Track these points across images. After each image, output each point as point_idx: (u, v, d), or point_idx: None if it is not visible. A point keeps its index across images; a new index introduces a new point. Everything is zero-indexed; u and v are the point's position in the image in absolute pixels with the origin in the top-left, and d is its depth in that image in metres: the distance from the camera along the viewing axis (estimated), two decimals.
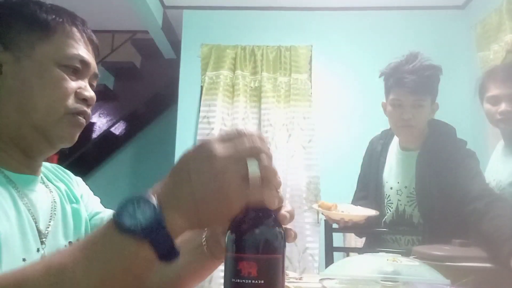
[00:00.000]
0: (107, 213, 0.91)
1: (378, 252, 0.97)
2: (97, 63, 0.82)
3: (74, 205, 0.83)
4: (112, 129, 4.04)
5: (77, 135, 0.77)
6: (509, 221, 1.24)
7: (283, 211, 0.53)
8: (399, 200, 1.68)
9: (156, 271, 0.73)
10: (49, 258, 0.49)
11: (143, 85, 4.05)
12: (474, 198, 1.42)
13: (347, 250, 1.93)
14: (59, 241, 0.76)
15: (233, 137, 0.49)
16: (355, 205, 1.68)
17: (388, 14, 3.22)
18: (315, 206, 1.69)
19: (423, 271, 0.84)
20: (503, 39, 2.52)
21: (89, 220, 0.87)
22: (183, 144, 3.08)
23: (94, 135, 3.94)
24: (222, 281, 0.51)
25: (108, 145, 4.11)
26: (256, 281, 0.48)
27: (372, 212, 1.58)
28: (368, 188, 1.80)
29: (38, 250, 0.70)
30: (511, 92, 1.55)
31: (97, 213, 0.89)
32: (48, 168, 0.86)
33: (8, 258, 0.63)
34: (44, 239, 0.72)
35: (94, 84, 0.81)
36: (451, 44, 3.12)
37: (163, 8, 3.30)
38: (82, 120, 0.76)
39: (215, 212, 0.49)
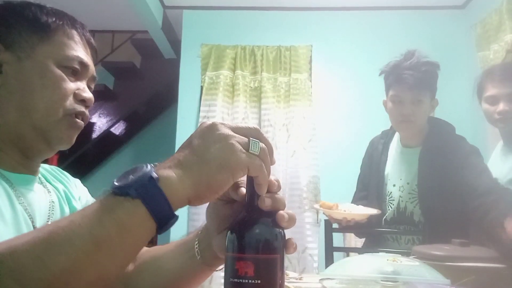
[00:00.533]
0: None
1: (378, 252, 0.97)
2: (97, 63, 0.83)
3: (72, 206, 0.83)
4: (112, 129, 4.04)
5: (75, 137, 0.78)
6: None
7: (282, 212, 0.53)
8: (400, 196, 1.68)
9: (151, 274, 0.73)
10: (38, 228, 0.49)
11: (143, 85, 4.05)
12: (482, 193, 1.43)
13: (347, 250, 1.93)
14: None
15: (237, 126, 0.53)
16: (356, 205, 1.69)
17: (388, 14, 3.22)
18: (316, 206, 1.69)
19: (423, 271, 0.84)
20: (503, 39, 2.52)
21: None
22: None
23: (94, 135, 3.94)
24: (223, 281, 0.52)
25: (108, 145, 4.11)
26: (253, 281, 0.48)
27: (374, 211, 1.58)
28: (369, 187, 1.80)
29: None
30: (509, 91, 1.55)
31: None
32: (46, 169, 0.86)
33: None
34: None
35: (92, 86, 0.82)
36: (451, 44, 3.12)
37: (163, 8, 3.30)
38: (80, 122, 0.77)
39: (220, 170, 0.49)
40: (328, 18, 3.25)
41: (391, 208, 1.70)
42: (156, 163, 0.51)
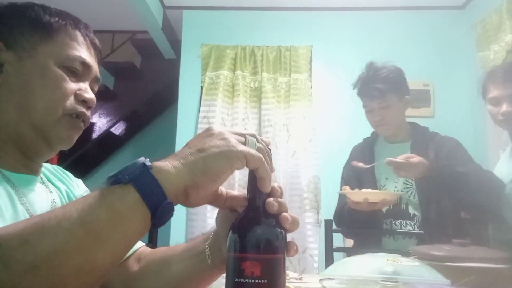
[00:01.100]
0: None
1: (378, 252, 0.97)
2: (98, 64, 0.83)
3: None
4: (112, 129, 4.04)
5: (75, 137, 0.77)
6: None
7: (286, 214, 0.54)
8: (396, 187, 1.74)
9: (155, 276, 0.73)
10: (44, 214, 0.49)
11: (143, 85, 4.05)
12: (471, 180, 1.57)
13: (347, 251, 1.93)
14: None
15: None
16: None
17: (388, 14, 3.22)
18: (341, 192, 1.73)
19: (423, 271, 0.84)
20: (503, 39, 2.52)
21: None
22: (183, 144, 3.05)
23: (94, 135, 3.94)
24: (223, 281, 0.52)
25: (108, 145, 4.11)
26: (260, 281, 0.48)
27: (398, 193, 1.69)
28: (361, 186, 1.82)
29: None
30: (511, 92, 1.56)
31: None
32: (48, 169, 0.86)
33: None
34: None
35: (96, 88, 0.82)
36: (451, 44, 3.12)
37: (163, 8, 3.30)
38: (80, 123, 0.77)
39: (217, 157, 0.50)
40: (328, 18, 3.25)
41: None
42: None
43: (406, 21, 3.20)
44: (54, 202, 0.78)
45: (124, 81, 4.14)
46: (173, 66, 3.46)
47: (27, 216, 0.70)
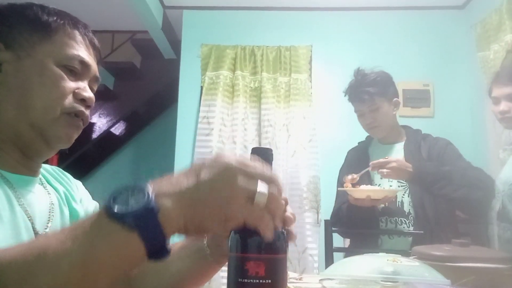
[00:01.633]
0: None
1: (377, 252, 0.97)
2: (98, 63, 0.83)
3: (72, 207, 0.83)
4: (112, 129, 4.04)
5: (74, 136, 0.77)
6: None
7: (288, 213, 0.54)
8: (390, 186, 1.78)
9: (155, 275, 0.73)
10: (35, 239, 0.48)
11: (143, 85, 4.05)
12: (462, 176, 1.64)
13: (347, 251, 1.93)
14: None
15: (253, 161, 0.50)
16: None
17: (388, 14, 3.21)
18: (344, 189, 1.76)
19: (423, 271, 0.84)
20: (503, 39, 2.52)
21: None
22: (183, 144, 3.08)
23: (94, 135, 3.94)
24: (223, 281, 0.52)
25: (108, 145, 4.11)
26: (264, 281, 0.48)
27: (397, 189, 1.74)
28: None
29: None
30: (508, 92, 1.61)
31: None
32: (47, 170, 0.86)
33: None
34: None
35: (95, 87, 0.82)
36: (451, 44, 3.12)
37: (163, 8, 3.30)
38: (79, 122, 0.76)
39: (211, 217, 0.47)
40: (328, 18, 3.24)
41: None
42: (158, 179, 0.48)
43: (406, 21, 3.20)
44: (52, 204, 0.78)
45: (124, 81, 4.14)
46: (173, 66, 3.46)
47: (25, 217, 0.70)
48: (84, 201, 0.89)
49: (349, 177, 1.75)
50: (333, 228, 1.80)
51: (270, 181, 0.49)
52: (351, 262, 0.94)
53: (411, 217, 1.72)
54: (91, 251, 0.44)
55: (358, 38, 3.19)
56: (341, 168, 2.00)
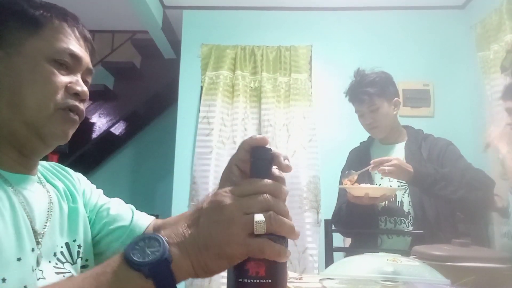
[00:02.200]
0: (112, 203, 0.92)
1: (377, 252, 0.97)
2: (97, 63, 0.82)
3: (72, 204, 0.83)
4: (112, 129, 4.03)
5: (71, 132, 0.76)
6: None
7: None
8: (390, 186, 1.78)
9: None
10: (56, 285, 0.50)
11: (143, 85, 4.05)
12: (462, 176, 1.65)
13: (347, 250, 1.94)
14: (56, 241, 0.75)
15: (247, 193, 0.51)
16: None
17: (388, 14, 3.22)
18: (343, 186, 1.77)
19: (423, 271, 0.84)
20: (503, 39, 2.52)
21: (96, 212, 0.88)
22: (183, 144, 3.08)
23: (94, 135, 3.93)
24: (222, 281, 0.52)
25: (108, 145, 4.11)
26: (264, 281, 0.49)
27: (396, 188, 1.75)
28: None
29: (32, 250, 0.68)
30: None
31: (102, 205, 0.90)
32: (45, 167, 0.85)
33: (2, 258, 0.62)
34: (40, 239, 0.71)
35: (89, 80, 0.80)
36: (451, 44, 3.12)
37: (163, 8, 3.30)
38: (74, 116, 0.75)
39: (216, 259, 0.49)
40: (328, 18, 3.25)
41: None
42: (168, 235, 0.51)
43: (406, 21, 3.20)
44: (51, 202, 0.77)
45: (124, 81, 4.13)
46: (173, 66, 3.46)
47: (25, 216, 0.69)
48: (87, 191, 0.89)
49: (349, 175, 1.75)
50: (333, 228, 1.80)
51: (267, 208, 0.50)
52: (351, 262, 0.94)
53: (411, 217, 1.72)
54: None
55: (358, 38, 3.19)
56: (343, 168, 2.00)
